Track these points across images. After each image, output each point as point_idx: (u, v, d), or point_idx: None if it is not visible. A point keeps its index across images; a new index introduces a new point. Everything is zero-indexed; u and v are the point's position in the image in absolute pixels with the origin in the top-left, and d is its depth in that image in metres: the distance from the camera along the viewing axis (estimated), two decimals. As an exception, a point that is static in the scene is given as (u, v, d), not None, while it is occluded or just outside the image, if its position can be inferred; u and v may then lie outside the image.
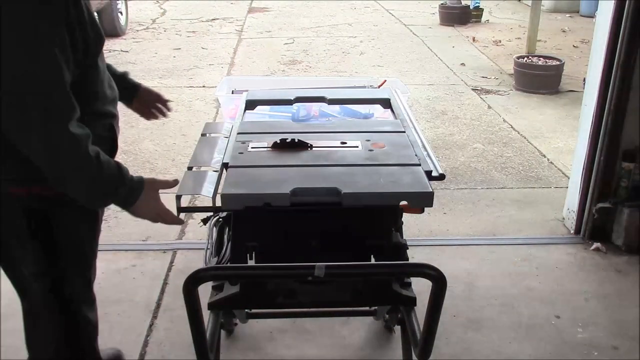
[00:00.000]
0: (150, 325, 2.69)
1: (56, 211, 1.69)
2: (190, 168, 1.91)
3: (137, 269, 3.10)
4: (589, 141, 3.31)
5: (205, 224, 2.32)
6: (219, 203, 1.68)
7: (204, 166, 1.94)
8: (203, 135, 2.18)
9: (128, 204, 1.67)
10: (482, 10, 9.38)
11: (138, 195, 1.66)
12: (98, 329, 2.06)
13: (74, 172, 1.54)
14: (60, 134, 1.48)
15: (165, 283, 2.99)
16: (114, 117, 1.78)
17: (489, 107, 5.68)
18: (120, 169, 1.62)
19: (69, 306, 1.85)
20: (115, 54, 7.31)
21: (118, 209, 1.69)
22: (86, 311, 1.92)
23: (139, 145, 4.65)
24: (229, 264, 1.94)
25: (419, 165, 1.82)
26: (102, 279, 3.00)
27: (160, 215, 1.73)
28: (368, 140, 1.99)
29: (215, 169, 1.88)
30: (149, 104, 2.16)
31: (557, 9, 10.12)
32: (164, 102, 2.18)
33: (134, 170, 1.77)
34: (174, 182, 1.77)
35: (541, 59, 6.26)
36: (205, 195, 1.74)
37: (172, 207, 1.74)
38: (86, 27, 1.54)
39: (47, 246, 1.72)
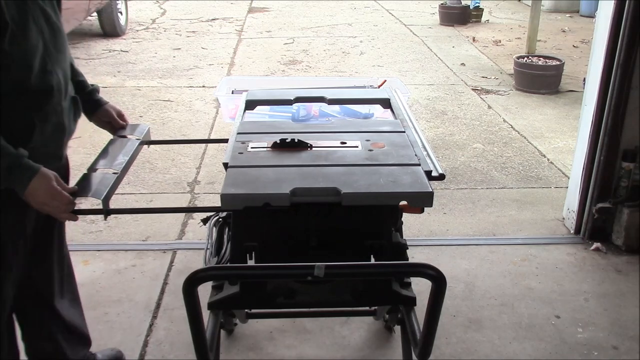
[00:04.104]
0: (150, 325, 2.70)
1: None
2: (90, 170, 1.88)
3: (137, 269, 3.10)
4: (589, 141, 3.31)
5: (205, 224, 2.32)
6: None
7: (105, 168, 1.90)
8: (122, 137, 2.16)
9: (16, 182, 1.66)
10: (482, 10, 9.38)
11: (28, 177, 1.64)
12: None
13: None
14: None
15: (165, 283, 2.99)
16: (39, 110, 1.75)
17: (489, 107, 5.68)
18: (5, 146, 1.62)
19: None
20: (115, 54, 7.31)
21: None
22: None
23: (139, 145, 4.65)
24: (228, 264, 1.94)
25: (419, 165, 1.82)
26: (102, 279, 3.01)
27: (50, 206, 1.69)
28: (368, 140, 1.99)
29: (115, 171, 1.86)
30: (106, 123, 2.19)
31: (557, 9, 10.13)
32: (121, 123, 2.21)
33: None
34: (74, 189, 1.74)
35: (541, 59, 6.26)
36: (95, 197, 1.71)
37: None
38: None
39: None
